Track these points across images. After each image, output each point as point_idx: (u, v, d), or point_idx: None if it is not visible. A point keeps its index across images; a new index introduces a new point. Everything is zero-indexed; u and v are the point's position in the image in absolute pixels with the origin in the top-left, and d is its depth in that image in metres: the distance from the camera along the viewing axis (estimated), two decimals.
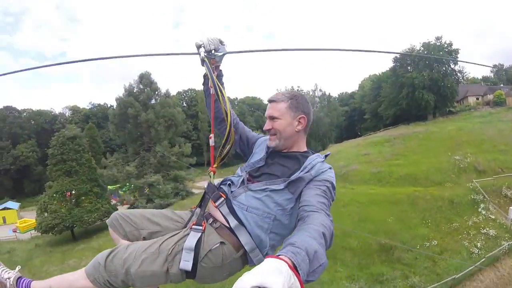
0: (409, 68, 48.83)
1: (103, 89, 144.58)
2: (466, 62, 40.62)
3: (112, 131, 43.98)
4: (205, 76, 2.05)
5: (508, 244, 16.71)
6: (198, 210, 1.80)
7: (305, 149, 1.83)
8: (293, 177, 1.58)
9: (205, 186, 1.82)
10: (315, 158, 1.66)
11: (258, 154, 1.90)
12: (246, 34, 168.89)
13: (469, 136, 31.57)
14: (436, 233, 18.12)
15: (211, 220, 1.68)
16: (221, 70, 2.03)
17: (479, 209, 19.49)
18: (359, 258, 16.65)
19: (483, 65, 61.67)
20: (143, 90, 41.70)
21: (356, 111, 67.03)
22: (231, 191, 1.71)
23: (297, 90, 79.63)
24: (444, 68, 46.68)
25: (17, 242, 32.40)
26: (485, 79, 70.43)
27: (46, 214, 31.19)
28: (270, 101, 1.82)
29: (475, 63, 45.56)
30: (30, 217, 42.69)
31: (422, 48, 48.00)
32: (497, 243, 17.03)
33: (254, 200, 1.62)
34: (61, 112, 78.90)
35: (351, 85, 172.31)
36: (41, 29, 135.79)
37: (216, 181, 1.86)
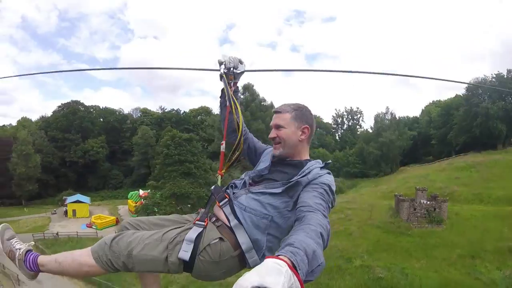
0: (481, 98, 55.61)
1: (149, 97, 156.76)
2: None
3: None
4: (222, 90, 2.30)
5: None
6: (203, 210, 1.96)
7: (307, 158, 2.01)
8: (291, 181, 1.73)
9: (212, 188, 2.00)
10: (314, 164, 1.83)
11: (264, 162, 2.08)
12: (289, 54, 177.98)
13: None
14: None
15: (214, 218, 1.84)
16: (238, 87, 2.33)
17: None
18: None
19: None
20: (251, 101, 51.07)
21: (421, 136, 73.34)
22: (233, 193, 1.90)
23: (357, 110, 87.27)
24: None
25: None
26: None
27: (151, 213, 30.91)
28: (276, 112, 2.00)
29: None
30: (96, 212, 46.30)
31: (493, 80, 55.00)
32: None
33: (252, 201, 1.77)
34: (129, 113, 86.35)
35: (412, 110, 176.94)
36: (95, 36, 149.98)
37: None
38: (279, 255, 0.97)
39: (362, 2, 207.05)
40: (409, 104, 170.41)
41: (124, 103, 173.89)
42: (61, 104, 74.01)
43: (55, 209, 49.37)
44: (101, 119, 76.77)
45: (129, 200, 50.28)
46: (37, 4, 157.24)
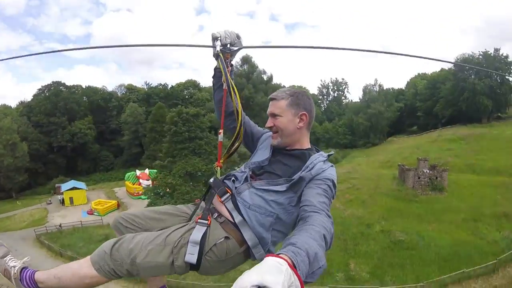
0: (468, 73, 58.91)
1: (125, 73, 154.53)
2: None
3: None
4: (216, 69, 2.13)
5: None
6: (203, 203, 1.92)
7: (308, 146, 1.95)
8: (295, 177, 1.70)
9: (211, 180, 1.92)
10: (317, 157, 1.78)
11: (262, 151, 2.03)
12: (268, 23, 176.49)
13: None
14: None
15: (216, 214, 1.78)
16: (232, 65, 2.12)
17: None
18: None
19: None
20: (251, 73, 51.83)
21: (407, 107, 76.79)
22: (235, 187, 1.83)
23: (342, 81, 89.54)
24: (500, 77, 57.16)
25: (108, 227, 29.39)
26: None
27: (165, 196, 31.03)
28: (271, 99, 1.94)
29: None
30: (93, 198, 44.57)
31: (481, 57, 58.47)
32: None
33: (256, 198, 1.73)
34: (114, 90, 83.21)
35: (396, 82, 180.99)
36: (65, 12, 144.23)
37: None
38: (279, 254, 1.00)
39: None
40: (394, 76, 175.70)
41: (100, 80, 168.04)
42: (41, 86, 70.09)
43: (49, 198, 47.62)
44: (85, 99, 73.92)
45: (126, 182, 49.21)
46: None
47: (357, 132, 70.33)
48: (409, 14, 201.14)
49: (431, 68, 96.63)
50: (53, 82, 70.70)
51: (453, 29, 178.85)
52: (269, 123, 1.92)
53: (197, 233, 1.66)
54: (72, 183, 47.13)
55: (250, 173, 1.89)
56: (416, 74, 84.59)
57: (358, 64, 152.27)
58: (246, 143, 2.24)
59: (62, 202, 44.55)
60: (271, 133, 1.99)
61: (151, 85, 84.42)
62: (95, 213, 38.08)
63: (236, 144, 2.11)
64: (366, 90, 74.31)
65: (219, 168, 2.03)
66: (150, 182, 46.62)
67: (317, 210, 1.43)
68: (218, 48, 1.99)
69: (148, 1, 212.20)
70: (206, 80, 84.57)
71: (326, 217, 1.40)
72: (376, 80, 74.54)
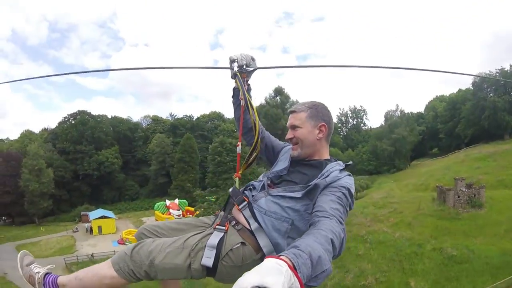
0: (487, 92, 62.21)
1: (144, 105, 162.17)
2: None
3: None
4: (234, 89, 2.35)
5: None
6: (222, 213, 2.01)
7: (327, 156, 2.04)
8: (310, 184, 1.75)
9: (230, 190, 2.02)
10: (334, 166, 1.84)
11: (282, 162, 2.12)
12: (280, 56, 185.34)
13: None
14: None
15: (234, 222, 1.86)
16: (249, 84, 2.34)
17: None
18: None
19: None
20: (285, 103, 56.59)
21: (428, 130, 79.77)
22: (252, 195, 1.91)
23: (360, 108, 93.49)
24: None
25: None
26: None
27: None
28: (291, 112, 2.05)
29: None
30: (120, 227, 45.93)
31: (497, 74, 61.60)
32: None
33: (272, 205, 1.79)
34: (138, 121, 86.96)
35: (413, 106, 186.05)
36: (85, 45, 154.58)
37: None
38: (280, 255, 1.03)
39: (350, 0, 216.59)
40: (412, 100, 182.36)
41: (119, 111, 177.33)
42: (67, 115, 73.81)
43: (76, 226, 48.58)
44: (111, 129, 76.46)
45: (156, 212, 50.93)
46: (27, 16, 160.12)
47: (382, 158, 72.39)
48: (421, 35, 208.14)
49: (448, 90, 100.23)
50: (78, 111, 73.91)
51: (461, 45, 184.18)
52: (289, 134, 2.03)
53: (215, 238, 1.77)
54: (100, 211, 48.42)
55: (269, 182, 1.99)
56: (435, 96, 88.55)
57: (376, 90, 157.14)
58: (268, 157, 2.38)
59: (90, 230, 45.19)
60: (290, 146, 2.11)
61: (176, 117, 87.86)
62: (127, 243, 37.61)
63: (254, 155, 2.24)
64: (388, 116, 77.39)
65: (237, 178, 2.14)
66: (180, 212, 48.52)
67: (328, 216, 1.46)
68: (235, 69, 2.24)
69: (165, 36, 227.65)
70: (228, 112, 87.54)
71: (336, 222, 1.43)
72: (397, 105, 78.07)
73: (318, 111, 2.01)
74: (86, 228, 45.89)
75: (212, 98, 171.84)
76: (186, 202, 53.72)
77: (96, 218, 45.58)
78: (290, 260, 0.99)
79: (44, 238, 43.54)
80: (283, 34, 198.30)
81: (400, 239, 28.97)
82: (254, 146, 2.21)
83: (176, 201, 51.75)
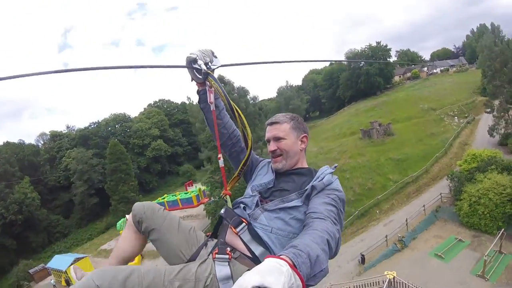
0: (360, 63, 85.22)
1: None
2: (384, 61, 77.31)
3: None
4: (200, 92, 2.22)
5: None
6: (212, 241, 1.98)
7: (307, 166, 2.13)
8: (307, 187, 1.79)
9: (222, 212, 1.92)
10: (325, 170, 1.90)
11: (262, 176, 2.15)
12: (136, 49, 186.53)
13: (415, 96, 68.13)
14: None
15: (228, 249, 1.77)
16: (212, 87, 2.15)
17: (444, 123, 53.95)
18: None
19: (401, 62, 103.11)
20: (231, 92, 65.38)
21: (311, 98, 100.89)
22: (248, 214, 1.86)
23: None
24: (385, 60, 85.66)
25: None
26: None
27: None
28: (272, 123, 2.10)
29: (393, 62, 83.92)
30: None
31: (367, 49, 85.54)
32: None
33: (275, 220, 1.77)
34: (34, 143, 74.85)
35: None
36: None
37: None
38: (280, 255, 1.07)
39: None
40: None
41: None
42: None
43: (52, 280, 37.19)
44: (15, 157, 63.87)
45: (120, 232, 39.59)
46: None
47: None
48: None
49: (320, 64, 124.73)
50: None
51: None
52: (273, 146, 2.07)
53: (224, 269, 1.69)
54: (67, 256, 39.63)
55: (259, 196, 1.96)
56: (309, 70, 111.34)
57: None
58: (245, 172, 2.30)
59: (67, 283, 34.79)
60: (267, 160, 2.24)
61: (74, 128, 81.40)
62: None
63: (244, 168, 2.22)
64: (281, 91, 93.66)
65: (228, 196, 2.07)
66: None
67: (323, 217, 1.52)
68: (204, 67, 2.02)
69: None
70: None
71: (331, 223, 1.50)
72: (287, 81, 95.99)
73: (299, 122, 2.14)
74: (54, 285, 36.23)
75: (69, 108, 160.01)
76: None
77: (70, 265, 33.84)
78: (291, 259, 1.05)
79: None
80: (137, 26, 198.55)
81: (362, 163, 43.49)
82: (245, 161, 2.20)
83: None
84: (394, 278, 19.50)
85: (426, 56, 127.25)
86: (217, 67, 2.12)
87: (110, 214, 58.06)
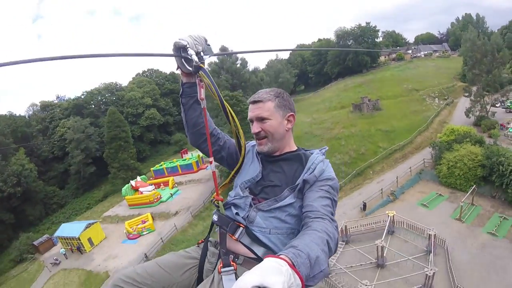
0: (349, 41, 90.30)
1: None
2: (375, 50, 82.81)
3: None
4: (184, 85, 2.00)
5: None
6: (212, 247, 1.96)
7: (295, 147, 2.04)
8: (298, 182, 1.78)
9: (215, 218, 1.88)
10: (316, 157, 1.85)
11: (248, 165, 2.05)
12: (112, 20, 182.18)
13: (399, 76, 74.30)
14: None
15: (231, 256, 1.75)
16: (203, 81, 1.89)
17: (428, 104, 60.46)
18: None
19: (388, 50, 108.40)
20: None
21: (299, 72, 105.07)
22: (243, 217, 1.82)
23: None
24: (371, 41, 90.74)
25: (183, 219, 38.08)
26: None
27: None
28: (255, 101, 1.95)
29: (381, 50, 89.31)
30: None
31: (356, 28, 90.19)
32: None
33: (272, 220, 1.76)
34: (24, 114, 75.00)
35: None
36: None
37: None
38: (280, 255, 1.08)
39: None
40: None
41: None
42: None
43: (55, 257, 36.76)
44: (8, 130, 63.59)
45: (126, 197, 46.24)
46: None
47: None
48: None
49: (309, 39, 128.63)
50: None
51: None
52: (256, 128, 1.94)
53: (232, 282, 1.65)
54: (68, 225, 40.33)
55: (251, 196, 1.90)
56: (297, 44, 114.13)
57: None
58: (229, 163, 2.19)
59: (78, 249, 36.43)
60: (252, 143, 2.11)
61: (64, 98, 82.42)
62: (145, 232, 36.41)
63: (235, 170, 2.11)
64: (270, 64, 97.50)
65: (220, 202, 1.94)
66: (151, 186, 47.99)
67: (321, 216, 1.52)
68: (195, 58, 1.75)
69: None
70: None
71: (329, 222, 1.50)
72: (277, 54, 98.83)
73: (285, 99, 1.99)
74: (64, 254, 36.73)
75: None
76: (146, 178, 53.95)
77: (84, 230, 36.61)
78: (290, 259, 1.06)
79: None
80: None
81: (355, 132, 49.09)
82: (239, 166, 2.08)
83: (138, 178, 50.14)
84: (393, 216, 25.39)
85: (410, 39, 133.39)
86: (209, 57, 1.86)
87: (109, 183, 59.98)
